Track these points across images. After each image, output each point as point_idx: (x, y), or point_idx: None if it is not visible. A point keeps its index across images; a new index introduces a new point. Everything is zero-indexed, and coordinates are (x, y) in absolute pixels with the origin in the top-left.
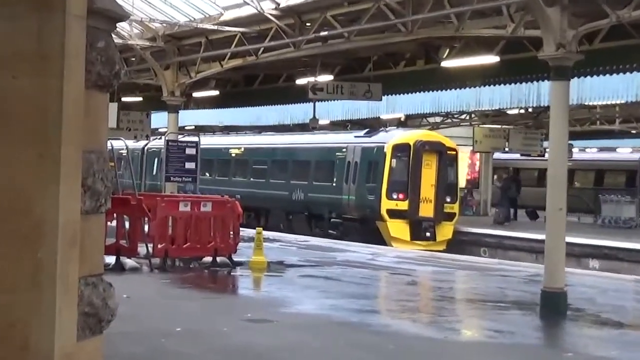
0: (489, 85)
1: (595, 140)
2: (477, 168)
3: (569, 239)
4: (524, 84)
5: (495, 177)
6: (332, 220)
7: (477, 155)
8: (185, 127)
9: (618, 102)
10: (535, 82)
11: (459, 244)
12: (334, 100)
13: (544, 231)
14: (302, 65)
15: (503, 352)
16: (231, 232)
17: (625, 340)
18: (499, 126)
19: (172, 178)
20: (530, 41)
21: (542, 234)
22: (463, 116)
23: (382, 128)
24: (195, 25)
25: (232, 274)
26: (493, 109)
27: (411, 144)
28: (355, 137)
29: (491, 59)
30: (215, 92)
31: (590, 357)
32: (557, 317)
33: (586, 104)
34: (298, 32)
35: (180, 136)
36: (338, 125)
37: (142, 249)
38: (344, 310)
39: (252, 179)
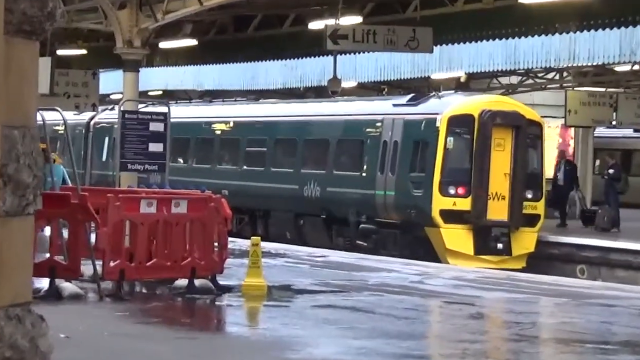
0: (588, 30)
1: None
2: (571, 150)
3: None
4: (639, 27)
5: (598, 162)
6: (361, 226)
7: (571, 131)
8: (150, 93)
9: None
10: None
11: (544, 259)
12: (363, 52)
13: None
14: (317, 2)
15: None
16: (216, 244)
17: None
18: (603, 89)
19: (130, 166)
20: None
21: None
22: (550, 75)
23: (434, 93)
24: None
25: (217, 303)
26: (594, 64)
27: (475, 115)
28: (395, 105)
29: None
30: (192, 42)
31: None
32: None
33: None
34: None
35: (141, 105)
36: (369, 90)
37: (86, 267)
38: (378, 355)
39: (245, 167)
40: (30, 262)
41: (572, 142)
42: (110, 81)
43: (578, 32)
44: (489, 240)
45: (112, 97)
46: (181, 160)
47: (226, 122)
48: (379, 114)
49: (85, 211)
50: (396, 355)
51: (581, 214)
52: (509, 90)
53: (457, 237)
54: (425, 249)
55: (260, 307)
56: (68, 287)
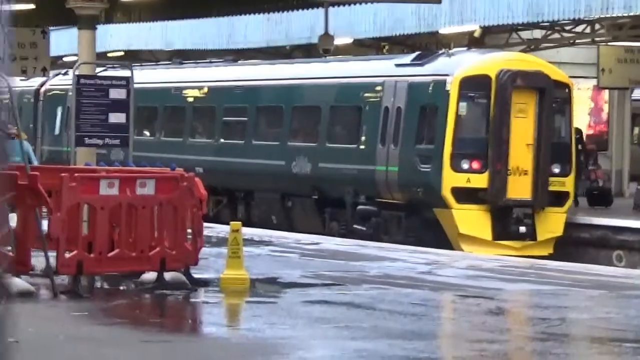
0: None
1: None
2: (604, 116)
3: None
4: None
5: (638, 130)
6: (359, 207)
7: (605, 93)
8: (109, 54)
9: None
10: None
11: (574, 244)
12: (359, 3)
13: None
14: None
15: None
16: (189, 230)
17: None
18: None
19: (87, 140)
20: None
21: None
22: (580, 28)
23: (443, 50)
24: None
25: (191, 300)
26: (632, 14)
27: (492, 76)
28: (397, 66)
29: None
30: None
31: None
32: None
33: None
34: None
35: (100, 69)
36: (367, 48)
37: (38, 260)
38: (380, 358)
39: (222, 141)
40: None
41: (605, 107)
42: (63, 41)
43: None
44: (509, 222)
45: (65, 59)
46: (147, 133)
47: (200, 88)
48: (378, 76)
49: (36, 194)
50: (401, 358)
51: (587, 192)
52: (532, 46)
53: (472, 220)
54: (435, 234)
55: (241, 304)
56: (16, 282)
